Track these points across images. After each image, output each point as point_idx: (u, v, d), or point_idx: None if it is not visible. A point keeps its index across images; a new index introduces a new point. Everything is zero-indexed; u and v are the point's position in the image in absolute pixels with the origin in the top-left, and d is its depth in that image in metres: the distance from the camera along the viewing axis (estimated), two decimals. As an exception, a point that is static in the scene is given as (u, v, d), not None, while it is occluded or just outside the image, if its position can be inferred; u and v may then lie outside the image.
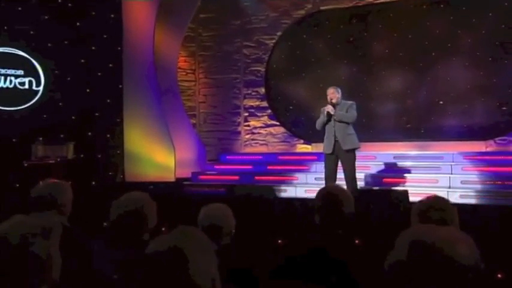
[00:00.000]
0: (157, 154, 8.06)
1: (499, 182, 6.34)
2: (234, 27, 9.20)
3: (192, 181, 8.23)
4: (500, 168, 6.84)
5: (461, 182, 6.65)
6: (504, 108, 7.73)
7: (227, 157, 8.89)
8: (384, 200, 4.79)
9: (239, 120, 9.28)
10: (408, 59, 8.27)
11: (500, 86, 7.76)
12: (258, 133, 9.06)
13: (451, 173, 6.96)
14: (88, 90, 7.20)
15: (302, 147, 8.70)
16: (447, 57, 8.07)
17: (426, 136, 8.08)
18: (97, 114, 7.33)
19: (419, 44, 8.21)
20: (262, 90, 9.09)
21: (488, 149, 7.61)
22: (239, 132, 9.33)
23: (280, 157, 8.28)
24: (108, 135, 7.45)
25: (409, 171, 7.17)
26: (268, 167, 8.01)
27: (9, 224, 1.42)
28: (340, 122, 5.67)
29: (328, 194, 2.37)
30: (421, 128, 8.16)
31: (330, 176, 5.77)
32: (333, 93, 5.78)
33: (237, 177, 7.93)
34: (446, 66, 8.10)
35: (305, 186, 7.12)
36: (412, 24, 8.26)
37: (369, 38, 8.49)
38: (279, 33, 9.06)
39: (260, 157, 8.41)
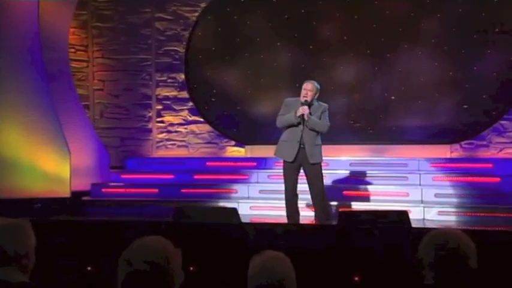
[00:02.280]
0: (44, 160, 7.35)
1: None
2: (142, -9, 8.63)
3: (93, 196, 7.61)
4: (476, 178, 7.16)
5: (436, 196, 6.88)
6: (467, 106, 8.15)
7: (136, 163, 8.35)
8: (377, 225, 4.72)
9: (150, 114, 8.76)
10: (354, 44, 8.35)
11: (466, 82, 8.10)
12: (176, 132, 8.67)
13: (420, 184, 7.18)
14: None
15: (233, 151, 8.53)
16: (399, 44, 8.25)
17: (381, 138, 8.24)
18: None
19: (366, 27, 8.33)
20: (182, 76, 8.68)
21: (454, 154, 7.94)
22: (149, 131, 8.80)
23: (208, 163, 8.09)
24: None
25: (371, 182, 7.26)
26: (195, 176, 7.76)
27: None
28: (311, 129, 5.63)
29: (445, 243, 2.16)
30: (372, 128, 8.29)
31: (291, 189, 5.72)
32: (311, 90, 5.66)
33: (155, 191, 7.49)
34: (398, 54, 8.26)
35: (248, 201, 7.09)
36: (358, 2, 8.38)
37: (308, 16, 8.46)
38: (202, 5, 8.68)
39: (182, 163, 8.04)
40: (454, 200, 6.81)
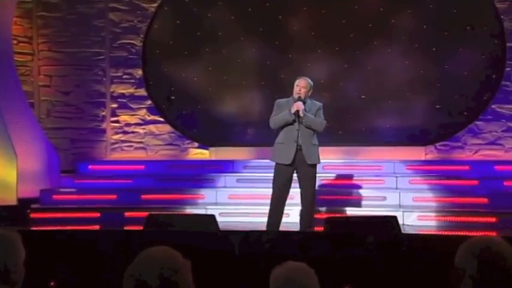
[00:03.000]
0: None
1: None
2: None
3: (42, 203, 7.35)
4: (453, 181, 7.32)
5: (414, 200, 7.00)
6: (440, 106, 8.31)
7: (90, 167, 8.10)
8: (366, 231, 4.74)
9: (103, 113, 8.55)
10: (322, 41, 8.40)
11: (438, 81, 8.27)
12: (133, 133, 8.52)
13: (397, 188, 7.27)
14: None
15: (197, 153, 8.42)
16: (369, 41, 8.35)
17: (352, 140, 8.31)
18: None
19: (334, 22, 8.39)
20: (139, 72, 8.54)
21: (428, 156, 8.08)
22: (103, 131, 8.56)
23: (171, 166, 7.96)
24: None
25: (346, 186, 7.32)
26: (157, 181, 7.66)
27: None
28: (307, 127, 5.60)
29: (488, 252, 2.12)
30: (343, 129, 8.35)
31: (281, 196, 5.67)
32: (304, 87, 5.67)
33: (113, 197, 7.29)
34: (368, 52, 8.36)
35: (217, 207, 6.98)
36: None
37: (273, 9, 8.46)
38: (162, -6, 8.56)
39: (142, 166, 7.93)
40: (433, 204, 6.93)
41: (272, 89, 8.45)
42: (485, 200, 6.87)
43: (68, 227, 6.38)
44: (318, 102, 5.84)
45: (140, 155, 8.46)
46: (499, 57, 8.08)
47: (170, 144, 8.45)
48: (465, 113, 8.18)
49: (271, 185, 6.97)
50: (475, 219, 6.62)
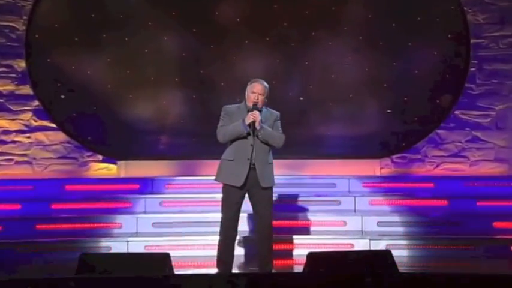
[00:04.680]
0: None
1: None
2: None
3: None
4: (420, 201, 7.27)
5: (378, 224, 6.88)
6: (390, 111, 8.26)
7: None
8: (355, 269, 4.43)
9: (-28, 118, 7.84)
10: (250, 30, 8.24)
11: (385, 81, 8.22)
12: (14, 142, 7.99)
13: (355, 210, 7.13)
14: None
15: (101, 168, 8.08)
16: (307, 32, 8.24)
17: (294, 151, 8.04)
18: None
19: (265, 9, 8.25)
20: (22, 64, 8.03)
21: (384, 171, 8.02)
22: (-28, 141, 7.83)
23: (68, 186, 7.51)
24: None
25: (297, 208, 7.08)
26: (53, 206, 7.15)
27: None
28: (263, 142, 5.45)
29: None
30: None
31: (231, 224, 5.47)
32: (262, 94, 5.50)
33: (-1, 228, 6.63)
34: (305, 45, 8.24)
35: (140, 238, 6.62)
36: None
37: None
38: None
39: (29, 187, 7.41)
40: (400, 229, 6.84)
41: (189, 87, 8.24)
42: (458, 224, 6.85)
43: None
44: (275, 111, 5.65)
45: (24, 171, 7.92)
46: (461, 56, 8.14)
47: (65, 157, 8.03)
48: (422, 120, 8.16)
49: (205, 208, 6.84)
50: (451, 247, 6.57)
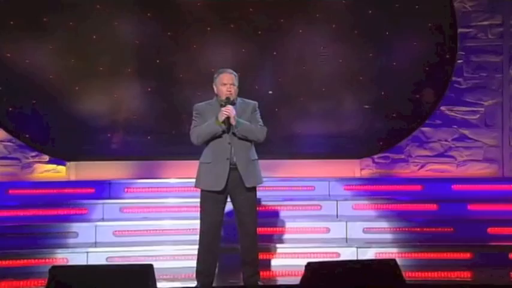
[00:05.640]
0: None
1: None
2: None
3: None
4: (408, 205, 7.23)
5: (365, 231, 6.83)
6: (369, 107, 8.22)
7: None
8: (359, 280, 4.33)
9: None
10: (211, 15, 8.16)
11: (360, 74, 8.19)
12: None
13: (337, 216, 7.07)
14: None
15: (48, 170, 7.95)
16: (274, 18, 8.19)
17: (265, 150, 7.90)
18: None
19: None
20: None
21: (365, 172, 8.00)
22: None
23: (12, 191, 7.36)
24: None
25: (275, 214, 7.02)
26: None
27: None
28: (242, 139, 5.41)
29: None
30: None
31: (213, 231, 5.44)
32: (234, 83, 5.50)
33: None
34: (272, 32, 8.17)
35: (100, 249, 6.48)
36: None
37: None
38: None
39: None
40: (389, 236, 6.81)
41: (144, 78, 8.13)
42: (450, 229, 6.84)
43: None
44: (252, 101, 5.64)
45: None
46: (446, 46, 8.13)
47: (5, 157, 7.87)
48: (405, 116, 8.14)
49: (172, 214, 6.92)
50: (446, 255, 6.52)
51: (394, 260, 4.72)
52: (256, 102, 5.62)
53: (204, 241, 5.40)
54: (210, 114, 5.42)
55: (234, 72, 5.55)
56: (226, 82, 5.42)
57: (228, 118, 5.29)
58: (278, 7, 8.15)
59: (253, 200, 5.49)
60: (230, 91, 5.40)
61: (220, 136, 5.38)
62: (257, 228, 5.51)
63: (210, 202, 5.40)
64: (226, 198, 5.46)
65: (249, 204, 5.45)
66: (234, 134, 5.35)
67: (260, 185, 5.60)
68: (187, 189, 7.09)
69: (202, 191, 5.45)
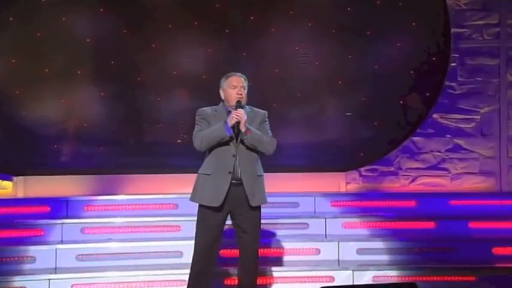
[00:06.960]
0: None
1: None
2: None
3: None
4: (403, 223, 7.29)
5: (358, 252, 6.87)
6: (350, 114, 8.26)
7: None
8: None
9: None
10: (175, 12, 8.21)
11: (339, 77, 8.26)
12: None
13: (326, 236, 7.11)
14: None
15: None
16: (245, 15, 8.30)
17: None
18: None
19: None
20: None
21: (351, 186, 8.11)
22: None
23: None
24: None
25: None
26: None
27: None
28: (250, 148, 5.42)
29: None
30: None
31: (207, 255, 5.43)
32: (245, 87, 5.52)
33: None
34: (242, 30, 8.28)
35: (64, 275, 6.42)
36: None
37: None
38: None
39: None
40: (385, 258, 6.87)
41: (97, 81, 8.12)
42: (452, 250, 6.94)
43: None
44: (261, 111, 5.68)
45: None
46: (438, 47, 8.24)
47: None
48: (392, 125, 8.25)
49: (141, 234, 6.96)
50: (449, 278, 6.59)
51: (414, 284, 4.76)
52: (266, 112, 5.64)
53: (197, 264, 5.39)
54: (215, 122, 5.42)
55: (244, 76, 5.57)
56: (236, 84, 5.44)
57: (238, 123, 5.29)
58: (248, 3, 8.23)
59: (258, 221, 5.49)
60: (241, 94, 5.41)
61: (227, 144, 5.36)
62: (258, 251, 5.55)
63: (206, 220, 5.38)
64: (226, 216, 5.43)
65: (253, 226, 5.44)
66: (242, 142, 5.36)
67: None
68: (155, 206, 7.14)
69: (199, 206, 5.44)
